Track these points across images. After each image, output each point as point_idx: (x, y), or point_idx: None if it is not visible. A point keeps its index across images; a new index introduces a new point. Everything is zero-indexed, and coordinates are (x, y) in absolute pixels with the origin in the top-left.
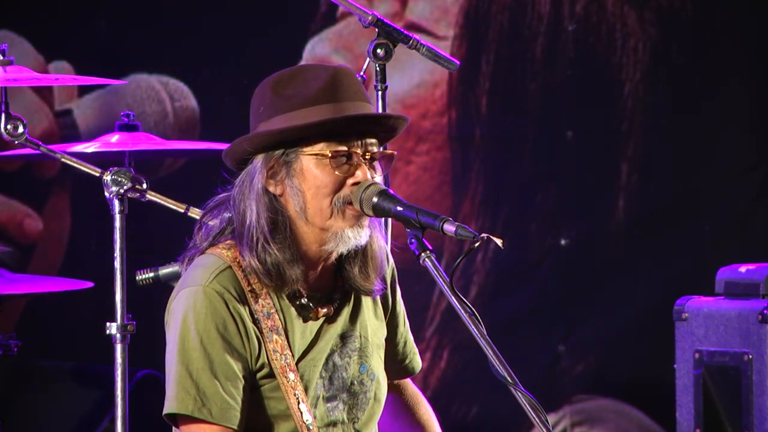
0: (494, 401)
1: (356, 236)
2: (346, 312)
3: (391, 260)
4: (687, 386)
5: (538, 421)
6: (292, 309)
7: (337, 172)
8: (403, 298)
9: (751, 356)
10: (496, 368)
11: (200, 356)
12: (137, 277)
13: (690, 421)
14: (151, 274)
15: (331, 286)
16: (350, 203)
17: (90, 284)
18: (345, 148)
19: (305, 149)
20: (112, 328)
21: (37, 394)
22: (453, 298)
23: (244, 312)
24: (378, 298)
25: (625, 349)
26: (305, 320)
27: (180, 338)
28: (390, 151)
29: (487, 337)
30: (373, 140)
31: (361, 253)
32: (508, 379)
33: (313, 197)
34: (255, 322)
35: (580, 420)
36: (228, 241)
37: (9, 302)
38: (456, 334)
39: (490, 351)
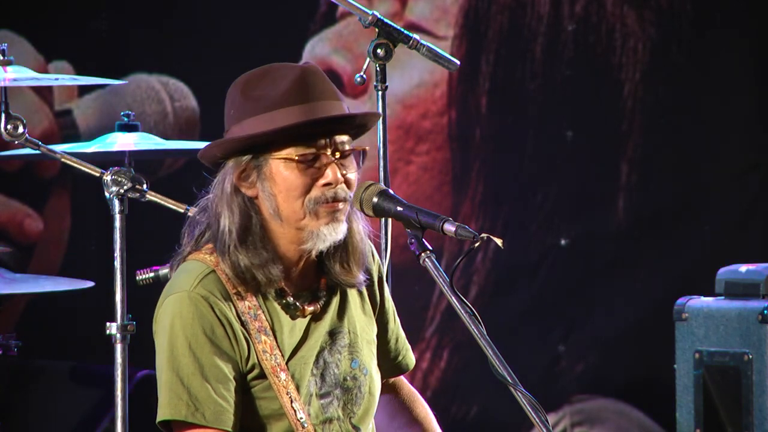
0: (494, 401)
1: (332, 233)
2: (333, 308)
3: (377, 257)
4: (687, 386)
5: (538, 421)
6: (279, 308)
7: (307, 174)
8: (403, 298)
9: (751, 356)
10: (496, 368)
11: (190, 361)
12: (137, 277)
13: (690, 421)
14: (151, 274)
15: (316, 283)
16: (322, 202)
17: (90, 284)
18: (312, 151)
19: (274, 153)
20: (112, 328)
21: (37, 394)
22: (453, 298)
23: (231, 314)
24: (366, 294)
25: (625, 349)
26: (293, 318)
27: (168, 345)
28: (361, 147)
29: (487, 337)
30: (344, 137)
31: (342, 248)
32: (508, 379)
33: (284, 200)
34: (242, 324)
35: (580, 420)
36: (209, 245)
37: (9, 302)
38: (456, 334)
39: (490, 351)
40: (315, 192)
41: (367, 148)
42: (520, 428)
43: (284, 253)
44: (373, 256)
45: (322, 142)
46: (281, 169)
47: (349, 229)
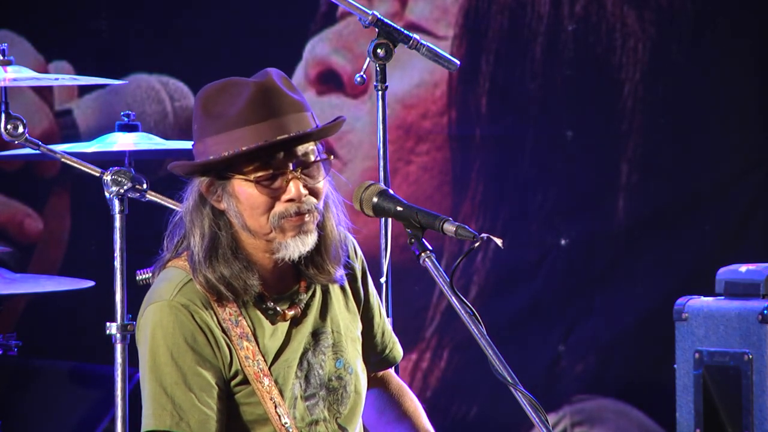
0: (494, 401)
1: (299, 246)
2: (315, 309)
3: (360, 252)
4: (687, 386)
5: (538, 421)
6: (259, 314)
7: (266, 193)
8: (403, 298)
9: (751, 356)
10: (496, 368)
11: (172, 370)
12: (137, 277)
13: (690, 421)
14: (151, 274)
15: (295, 286)
16: (286, 217)
17: (90, 284)
18: (270, 172)
19: (233, 173)
20: (112, 328)
21: (37, 394)
22: (453, 298)
23: (212, 322)
24: (349, 291)
25: (625, 349)
26: (273, 323)
27: (150, 355)
28: (324, 158)
29: (487, 337)
30: (307, 147)
31: (315, 250)
32: (508, 379)
33: (249, 216)
34: (223, 330)
35: (580, 420)
36: (187, 253)
37: (9, 302)
38: (456, 334)
39: (490, 351)
40: (278, 208)
41: (331, 157)
42: (520, 428)
43: (258, 261)
44: (355, 251)
45: (282, 159)
46: (244, 188)
47: (323, 232)
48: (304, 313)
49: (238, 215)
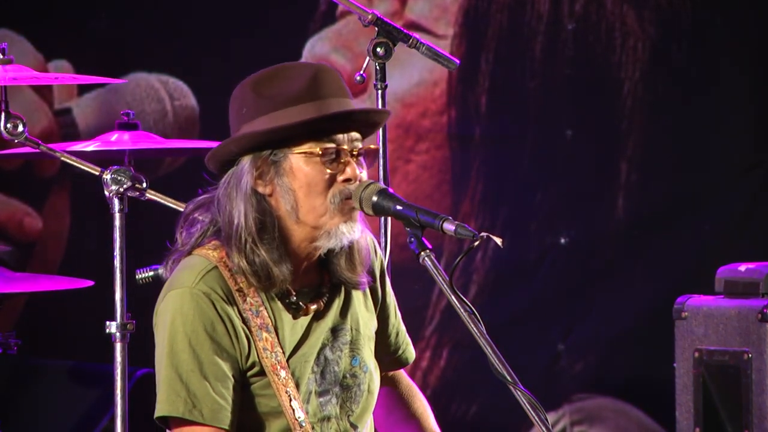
0: (494, 400)
1: (350, 231)
2: (337, 305)
3: (380, 252)
4: (687, 385)
5: (537, 420)
6: (281, 306)
7: (328, 170)
8: (402, 297)
9: (750, 355)
10: (496, 367)
11: (189, 358)
12: (137, 276)
13: (689, 420)
14: (151, 273)
15: (319, 281)
16: (347, 198)
17: (90, 283)
18: (334, 145)
19: (293, 148)
20: (112, 327)
21: (37, 393)
22: (452, 297)
23: (232, 312)
24: (367, 290)
25: (625, 349)
26: (295, 317)
27: (168, 341)
28: (374, 146)
29: (487, 336)
30: (357, 135)
31: (347, 246)
32: (508, 378)
33: (305, 196)
34: (244, 321)
35: (580, 419)
36: (213, 242)
37: (9, 301)
38: (455, 333)
39: (489, 350)
40: (336, 187)
41: (378, 147)
42: (520, 428)
43: (293, 251)
44: (375, 251)
45: (341, 137)
46: (302, 165)
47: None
48: (326, 308)
49: (290, 194)
